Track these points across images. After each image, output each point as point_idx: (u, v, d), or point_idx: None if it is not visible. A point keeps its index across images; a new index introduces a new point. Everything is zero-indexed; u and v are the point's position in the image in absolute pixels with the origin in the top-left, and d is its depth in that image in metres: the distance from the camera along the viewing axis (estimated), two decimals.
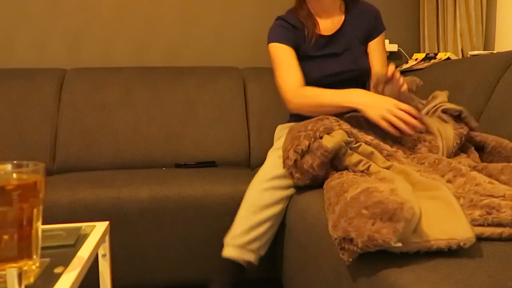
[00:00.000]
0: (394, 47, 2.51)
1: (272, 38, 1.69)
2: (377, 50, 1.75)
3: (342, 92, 1.47)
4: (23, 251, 0.71)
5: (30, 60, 2.36)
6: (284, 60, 1.66)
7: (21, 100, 2.11)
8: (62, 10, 2.36)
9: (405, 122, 1.29)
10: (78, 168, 2.06)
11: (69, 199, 1.56)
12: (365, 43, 1.76)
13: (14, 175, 0.71)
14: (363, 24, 1.73)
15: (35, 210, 0.72)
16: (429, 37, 2.41)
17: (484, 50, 2.23)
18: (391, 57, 2.54)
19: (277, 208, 1.43)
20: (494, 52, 1.89)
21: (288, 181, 1.43)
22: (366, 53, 1.76)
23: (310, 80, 1.64)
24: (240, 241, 1.42)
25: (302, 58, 1.68)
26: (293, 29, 1.70)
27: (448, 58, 2.07)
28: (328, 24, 1.73)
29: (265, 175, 1.47)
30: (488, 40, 2.30)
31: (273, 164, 1.48)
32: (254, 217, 1.42)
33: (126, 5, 2.40)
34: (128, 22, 2.41)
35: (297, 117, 1.71)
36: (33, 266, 0.74)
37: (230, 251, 1.43)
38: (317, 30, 1.71)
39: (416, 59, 2.27)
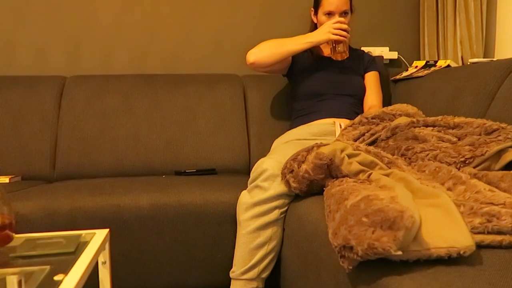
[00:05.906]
0: (394, 55, 2.51)
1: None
2: (370, 82, 2.04)
3: (294, 37, 1.90)
4: None
5: (30, 68, 2.36)
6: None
7: (21, 107, 2.11)
8: (62, 18, 2.37)
9: (341, 28, 1.82)
10: (78, 175, 2.06)
11: (69, 207, 1.56)
12: (361, 74, 2.06)
13: None
14: (359, 64, 2.07)
15: None
16: (429, 45, 2.42)
17: (484, 58, 2.23)
18: (391, 64, 2.54)
19: (266, 234, 1.45)
20: (494, 59, 1.89)
21: (268, 205, 1.44)
22: (362, 79, 2.05)
23: (315, 88, 1.95)
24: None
25: (303, 69, 1.96)
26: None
27: (448, 66, 2.08)
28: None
29: (248, 200, 1.48)
30: (488, 47, 2.31)
31: (256, 190, 1.49)
32: (247, 246, 1.47)
33: (126, 12, 2.42)
34: (128, 30, 2.42)
35: (300, 121, 1.90)
36: None
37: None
38: (321, 53, 2.06)
39: (416, 67, 2.28)
